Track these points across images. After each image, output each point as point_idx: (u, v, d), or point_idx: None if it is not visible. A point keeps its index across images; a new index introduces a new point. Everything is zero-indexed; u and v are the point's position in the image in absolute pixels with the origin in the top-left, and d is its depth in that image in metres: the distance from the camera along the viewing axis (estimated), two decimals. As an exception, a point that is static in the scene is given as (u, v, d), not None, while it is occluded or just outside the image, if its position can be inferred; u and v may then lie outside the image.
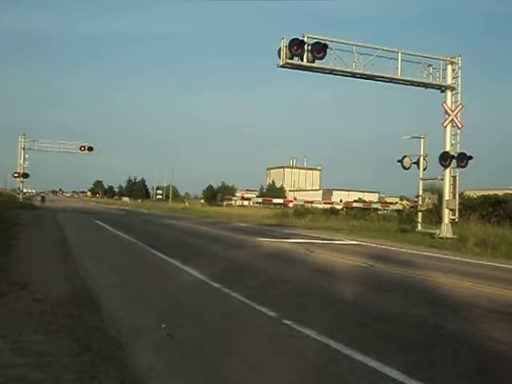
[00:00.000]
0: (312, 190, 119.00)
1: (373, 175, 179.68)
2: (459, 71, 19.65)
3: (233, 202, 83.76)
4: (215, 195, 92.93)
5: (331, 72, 18.52)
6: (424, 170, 21.61)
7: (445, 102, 19.63)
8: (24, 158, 43.10)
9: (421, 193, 21.62)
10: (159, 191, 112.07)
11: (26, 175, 43.74)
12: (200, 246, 14.69)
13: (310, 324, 5.29)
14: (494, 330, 5.47)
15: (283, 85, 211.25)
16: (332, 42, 17.89)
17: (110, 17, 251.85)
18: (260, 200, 43.64)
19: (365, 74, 18.73)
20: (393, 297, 7.54)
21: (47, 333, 4.69)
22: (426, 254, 14.78)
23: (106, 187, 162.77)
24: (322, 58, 17.63)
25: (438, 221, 20.30)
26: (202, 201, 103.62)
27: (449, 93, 19.66)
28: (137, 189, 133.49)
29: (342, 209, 41.24)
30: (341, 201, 39.35)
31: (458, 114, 19.35)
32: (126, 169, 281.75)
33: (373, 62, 18.46)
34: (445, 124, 19.52)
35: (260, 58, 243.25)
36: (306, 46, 17.42)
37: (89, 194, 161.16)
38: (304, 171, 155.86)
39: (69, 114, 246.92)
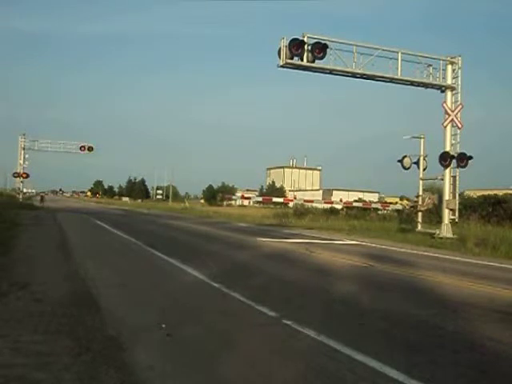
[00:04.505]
0: (312, 190, 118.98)
1: (373, 175, 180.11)
2: (459, 71, 19.63)
3: (233, 202, 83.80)
4: (215, 195, 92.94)
5: (331, 72, 18.51)
6: (424, 169, 21.59)
7: (445, 101, 19.62)
8: (24, 158, 43.11)
9: (421, 193, 21.59)
10: (159, 191, 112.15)
11: (26, 175, 43.75)
12: (200, 246, 14.69)
13: (310, 324, 5.29)
14: (494, 330, 5.47)
15: (283, 85, 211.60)
16: (332, 42, 17.87)
17: (111, 17, 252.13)
18: (260, 199, 43.67)
19: (365, 74, 18.72)
20: (393, 297, 7.54)
21: (47, 333, 4.69)
22: (425, 253, 14.77)
23: (106, 187, 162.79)
24: (322, 58, 17.62)
25: (438, 221, 20.28)
26: (202, 201, 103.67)
27: (449, 93, 19.65)
28: (137, 189, 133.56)
29: (341, 209, 41.24)
30: (341, 200, 39.36)
31: (458, 114, 19.34)
32: (126, 169, 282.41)
33: (373, 62, 18.46)
34: (445, 124, 19.51)
35: (260, 58, 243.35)
36: (305, 46, 17.40)
37: (89, 194, 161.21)
38: (304, 171, 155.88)
39: (69, 113, 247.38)
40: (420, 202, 21.50)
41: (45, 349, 4.23)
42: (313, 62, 17.63)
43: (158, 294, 6.99)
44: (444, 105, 19.58)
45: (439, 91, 20.04)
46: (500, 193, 30.53)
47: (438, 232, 19.26)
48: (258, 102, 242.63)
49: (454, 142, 19.52)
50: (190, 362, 4.15)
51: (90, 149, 44.67)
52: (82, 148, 44.55)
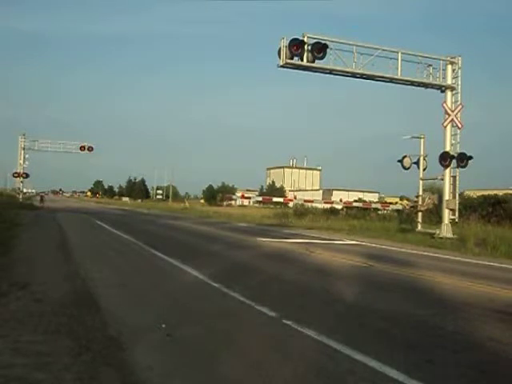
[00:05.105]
0: (312, 190, 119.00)
1: (373, 175, 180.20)
2: (459, 71, 19.64)
3: (233, 202, 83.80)
4: (215, 195, 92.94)
5: (331, 72, 18.51)
6: (424, 170, 21.59)
7: (445, 101, 19.62)
8: (24, 158, 43.06)
9: (421, 193, 21.59)
10: (159, 191, 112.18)
11: (26, 175, 43.73)
12: (200, 246, 14.69)
13: (310, 324, 5.29)
14: (493, 330, 5.46)
15: (283, 85, 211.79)
16: (332, 41, 17.88)
17: (111, 17, 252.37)
18: (260, 198, 43.63)
19: (365, 74, 18.72)
20: (393, 297, 7.54)
21: (47, 333, 4.69)
22: (425, 254, 14.77)
23: (106, 187, 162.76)
24: (322, 58, 17.62)
25: (438, 221, 20.28)
26: (202, 201, 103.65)
27: (449, 93, 19.65)
28: (137, 189, 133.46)
29: (341, 209, 41.24)
30: (341, 200, 39.35)
31: (458, 114, 19.34)
32: (126, 169, 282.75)
33: (373, 62, 18.47)
34: (445, 124, 19.51)
35: (260, 57, 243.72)
36: (305, 46, 17.41)
37: (89, 194, 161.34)
38: (304, 171, 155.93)
39: (69, 113, 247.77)
40: (420, 202, 21.50)
41: (45, 349, 4.23)
42: (313, 62, 17.63)
43: (157, 294, 6.99)
44: (444, 105, 19.58)
45: (439, 91, 20.04)
46: (500, 193, 30.53)
47: (437, 232, 19.25)
48: (258, 102, 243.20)
49: (453, 142, 19.52)
50: (190, 362, 4.15)
51: (90, 149, 44.62)
52: (81, 148, 44.49)
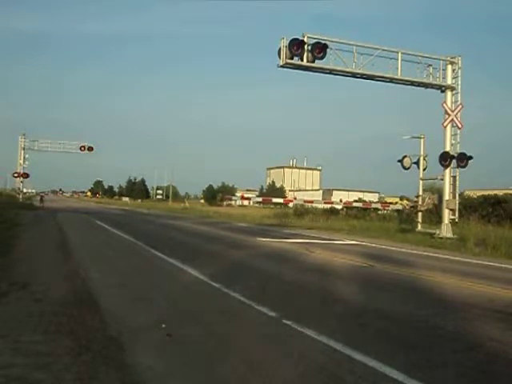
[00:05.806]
0: (312, 190, 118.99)
1: (373, 175, 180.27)
2: (459, 71, 19.63)
3: (233, 202, 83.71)
4: (215, 195, 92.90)
5: (331, 72, 18.51)
6: (424, 170, 21.58)
7: (445, 101, 19.61)
8: (24, 158, 43.11)
9: (421, 193, 21.58)
10: (159, 191, 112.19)
11: (26, 175, 43.74)
12: (200, 246, 14.68)
13: (310, 324, 5.29)
14: (493, 330, 5.46)
15: (283, 85, 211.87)
16: (332, 42, 17.87)
17: (110, 17, 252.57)
18: (260, 199, 43.61)
19: (365, 74, 18.72)
20: (393, 297, 7.54)
21: (47, 333, 4.69)
22: (425, 253, 14.77)
23: (106, 187, 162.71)
24: (322, 58, 17.61)
25: (438, 221, 20.28)
26: (202, 201, 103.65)
27: (449, 93, 19.64)
28: (137, 189, 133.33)
29: (341, 209, 41.22)
30: (341, 200, 39.33)
31: (458, 114, 19.33)
32: (126, 169, 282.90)
33: (373, 62, 18.46)
34: (445, 124, 19.50)
35: (260, 57, 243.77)
36: (305, 46, 17.40)
37: (89, 194, 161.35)
38: (304, 171, 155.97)
39: (69, 113, 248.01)
40: (420, 202, 21.49)
41: (45, 349, 4.23)
42: (313, 62, 17.62)
43: (157, 294, 6.99)
44: (444, 105, 19.57)
45: (439, 91, 20.03)
46: (500, 193, 30.49)
47: (437, 232, 19.25)
48: (257, 102, 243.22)
49: (454, 142, 19.51)
50: (190, 362, 4.15)
51: (90, 149, 44.66)
52: (81, 148, 44.53)
